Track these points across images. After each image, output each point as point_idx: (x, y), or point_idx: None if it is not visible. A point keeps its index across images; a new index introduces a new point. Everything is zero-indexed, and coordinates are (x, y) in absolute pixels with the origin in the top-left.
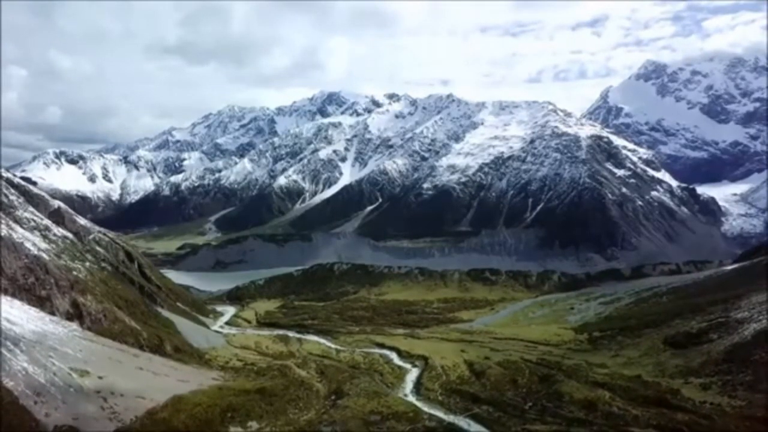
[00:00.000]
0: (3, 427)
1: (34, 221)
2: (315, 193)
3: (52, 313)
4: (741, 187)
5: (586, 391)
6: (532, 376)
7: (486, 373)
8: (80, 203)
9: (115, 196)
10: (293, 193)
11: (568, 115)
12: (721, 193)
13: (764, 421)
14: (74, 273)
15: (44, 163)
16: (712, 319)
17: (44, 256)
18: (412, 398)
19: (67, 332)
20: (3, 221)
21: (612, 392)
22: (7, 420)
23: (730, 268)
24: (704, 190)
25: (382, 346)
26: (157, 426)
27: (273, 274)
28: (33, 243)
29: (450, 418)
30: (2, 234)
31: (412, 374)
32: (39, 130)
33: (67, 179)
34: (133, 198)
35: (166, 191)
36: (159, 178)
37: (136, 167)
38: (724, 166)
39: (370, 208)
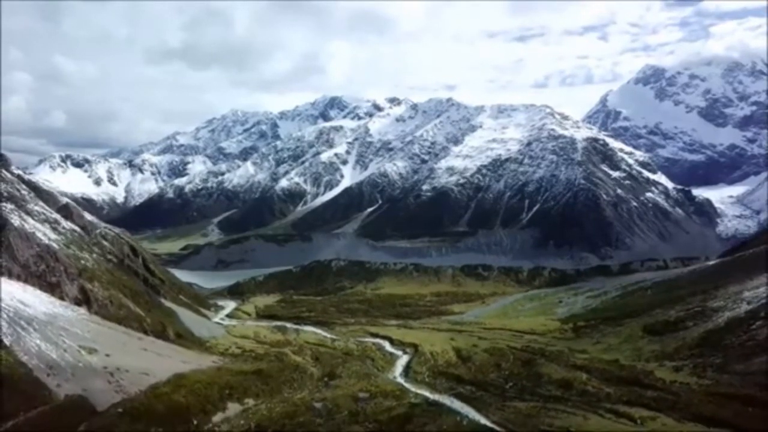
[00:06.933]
0: (19, 395)
1: (45, 214)
2: (316, 196)
3: (62, 298)
4: (738, 190)
5: (564, 372)
6: (516, 360)
7: (472, 359)
8: (85, 206)
9: (120, 199)
10: (295, 196)
11: (565, 118)
12: (718, 195)
13: (726, 397)
14: (82, 262)
15: (50, 167)
16: (689, 309)
17: (54, 245)
18: (400, 380)
19: (75, 315)
20: (16, 213)
21: (589, 374)
22: (22, 389)
23: (712, 262)
24: (701, 193)
25: (375, 335)
26: (159, 399)
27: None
28: (44, 233)
29: (435, 396)
30: (15, 224)
31: (403, 360)
32: (43, 134)
33: (73, 182)
34: (138, 201)
35: (170, 194)
36: (163, 181)
37: (141, 171)
38: (722, 169)
39: (369, 209)
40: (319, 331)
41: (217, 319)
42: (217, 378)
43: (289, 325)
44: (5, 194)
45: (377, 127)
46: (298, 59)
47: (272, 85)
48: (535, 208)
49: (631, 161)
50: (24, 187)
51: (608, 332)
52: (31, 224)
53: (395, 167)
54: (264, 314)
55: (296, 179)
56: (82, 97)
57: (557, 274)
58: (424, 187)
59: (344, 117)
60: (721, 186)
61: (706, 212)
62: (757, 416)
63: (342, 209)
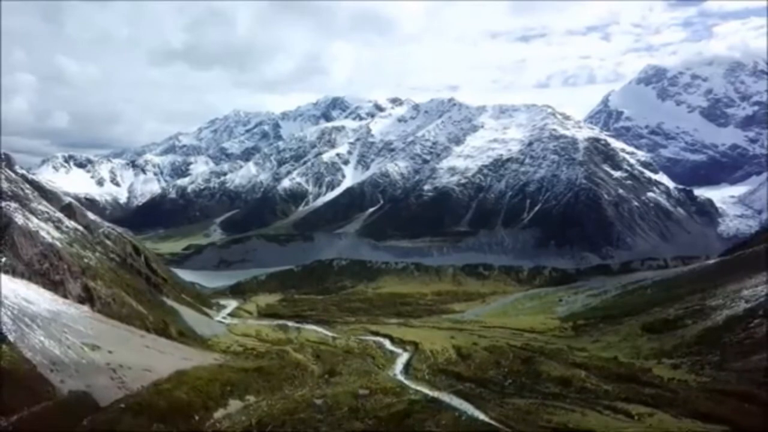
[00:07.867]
0: (23, 390)
1: (48, 213)
2: (318, 196)
3: (65, 296)
4: (739, 190)
5: (564, 370)
6: (515, 358)
7: (472, 356)
8: (88, 206)
9: (123, 199)
10: (297, 196)
11: (567, 118)
12: (720, 195)
13: (723, 393)
14: (85, 260)
15: (53, 167)
16: (688, 307)
17: (57, 244)
18: (400, 377)
19: (79, 313)
20: (19, 212)
21: (587, 371)
22: (26, 384)
23: (712, 261)
24: (703, 193)
25: (376, 333)
26: (161, 395)
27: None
28: (47, 232)
29: (434, 393)
30: (19, 223)
31: (403, 357)
32: (46, 135)
33: (76, 183)
34: (140, 201)
35: (173, 194)
36: (166, 181)
37: (144, 171)
38: (724, 169)
39: (371, 209)
40: (320, 329)
41: (218, 318)
42: (218, 375)
43: (290, 323)
44: (9, 193)
45: (379, 127)
46: (300, 60)
47: (274, 85)
48: (536, 208)
49: (632, 161)
50: (27, 186)
51: (607, 330)
52: (34, 223)
53: (397, 167)
54: (265, 313)
55: (298, 179)
56: (85, 98)
57: (558, 274)
58: (426, 187)
59: (346, 117)
60: (722, 186)
61: (708, 212)
62: (754, 413)
63: (343, 209)
